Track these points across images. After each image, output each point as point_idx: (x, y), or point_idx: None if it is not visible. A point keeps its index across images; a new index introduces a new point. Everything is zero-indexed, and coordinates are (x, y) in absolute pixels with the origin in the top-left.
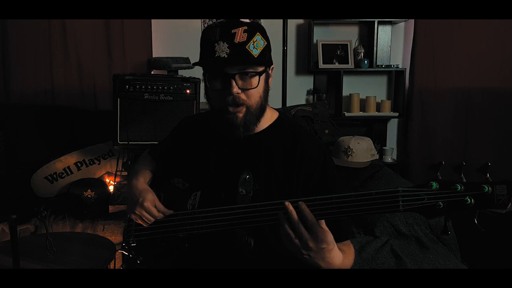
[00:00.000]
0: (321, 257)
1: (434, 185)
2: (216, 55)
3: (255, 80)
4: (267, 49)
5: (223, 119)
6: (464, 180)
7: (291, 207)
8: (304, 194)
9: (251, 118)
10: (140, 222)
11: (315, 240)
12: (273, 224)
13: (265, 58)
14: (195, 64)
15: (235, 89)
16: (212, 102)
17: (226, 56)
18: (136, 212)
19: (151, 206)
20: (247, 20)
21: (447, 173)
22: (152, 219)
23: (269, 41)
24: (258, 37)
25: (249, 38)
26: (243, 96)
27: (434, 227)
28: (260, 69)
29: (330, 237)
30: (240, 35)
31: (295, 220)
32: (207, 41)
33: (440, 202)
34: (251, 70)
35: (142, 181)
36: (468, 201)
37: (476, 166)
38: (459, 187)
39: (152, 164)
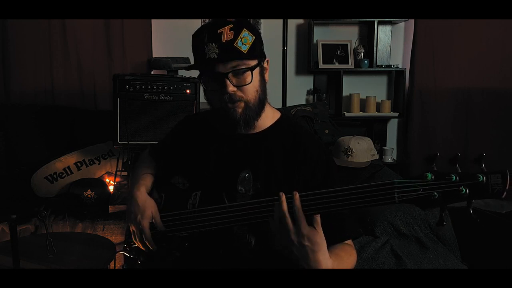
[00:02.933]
0: (303, 255)
1: (429, 176)
2: (207, 56)
3: (248, 76)
4: (257, 43)
5: (224, 117)
6: (459, 171)
7: (283, 197)
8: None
9: (250, 112)
10: (135, 242)
11: (298, 234)
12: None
13: (255, 52)
14: (189, 68)
15: (230, 88)
16: (211, 102)
17: (216, 56)
18: (133, 228)
19: (146, 226)
20: (232, 19)
21: (444, 168)
22: (143, 243)
23: (259, 35)
24: (245, 33)
25: (236, 35)
26: (239, 93)
27: (434, 227)
28: (252, 63)
29: (317, 237)
30: (226, 33)
31: (283, 209)
32: (197, 45)
33: (435, 193)
34: (243, 67)
35: (143, 192)
36: (463, 191)
37: (476, 167)
38: (454, 177)
39: (153, 165)
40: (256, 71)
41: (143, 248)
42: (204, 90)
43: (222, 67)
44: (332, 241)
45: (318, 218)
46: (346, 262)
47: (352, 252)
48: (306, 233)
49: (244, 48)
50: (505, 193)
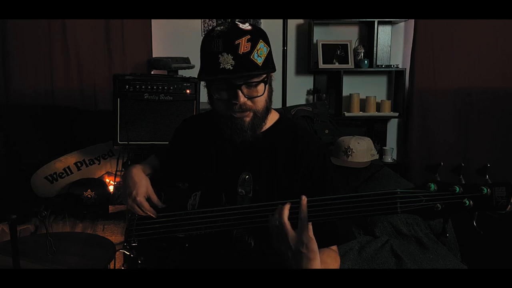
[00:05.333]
0: (297, 260)
1: (432, 186)
2: (221, 66)
3: (260, 87)
4: (270, 55)
5: (231, 124)
6: (463, 182)
7: (287, 207)
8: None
9: (257, 121)
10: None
11: (297, 240)
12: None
13: (269, 64)
14: (200, 78)
15: (242, 99)
16: (217, 109)
17: (231, 67)
18: (129, 203)
19: (143, 200)
20: (248, 27)
21: (446, 174)
22: (143, 213)
23: (270, 45)
24: (261, 45)
25: (253, 47)
26: (249, 103)
27: (434, 227)
28: (265, 75)
29: (314, 245)
30: (244, 45)
31: (284, 219)
32: (210, 53)
33: (438, 204)
34: (256, 80)
35: (140, 170)
36: (466, 203)
37: (476, 166)
38: (457, 189)
39: (156, 162)
40: (267, 82)
41: (143, 214)
42: (209, 96)
43: (235, 78)
44: (322, 245)
45: (310, 225)
46: (331, 267)
47: (337, 258)
48: (305, 241)
49: (260, 61)
50: (509, 206)
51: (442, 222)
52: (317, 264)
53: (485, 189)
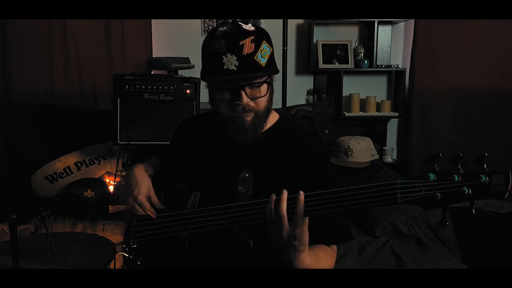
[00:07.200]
0: (288, 252)
1: (432, 176)
2: (225, 67)
3: (263, 88)
4: (272, 55)
5: (232, 124)
6: (462, 171)
7: (285, 196)
8: None
9: (259, 121)
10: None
11: (290, 235)
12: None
13: (272, 65)
14: (203, 79)
15: (245, 100)
16: (219, 110)
17: (235, 68)
18: (130, 202)
19: (144, 200)
20: (251, 27)
21: (446, 168)
22: (143, 212)
23: (273, 45)
24: (264, 45)
25: (257, 48)
26: (252, 103)
27: (434, 227)
28: (267, 76)
29: (306, 239)
30: (248, 46)
31: (282, 211)
32: (213, 53)
33: (438, 193)
34: (259, 80)
35: (142, 170)
36: (465, 191)
37: (478, 167)
38: (456, 177)
39: (157, 162)
40: (270, 83)
41: (143, 213)
42: (211, 96)
43: (239, 79)
44: (321, 243)
45: (306, 219)
46: (323, 264)
47: (333, 254)
48: (298, 235)
49: (263, 61)
50: (507, 194)
51: (442, 213)
52: (305, 255)
53: (484, 177)
